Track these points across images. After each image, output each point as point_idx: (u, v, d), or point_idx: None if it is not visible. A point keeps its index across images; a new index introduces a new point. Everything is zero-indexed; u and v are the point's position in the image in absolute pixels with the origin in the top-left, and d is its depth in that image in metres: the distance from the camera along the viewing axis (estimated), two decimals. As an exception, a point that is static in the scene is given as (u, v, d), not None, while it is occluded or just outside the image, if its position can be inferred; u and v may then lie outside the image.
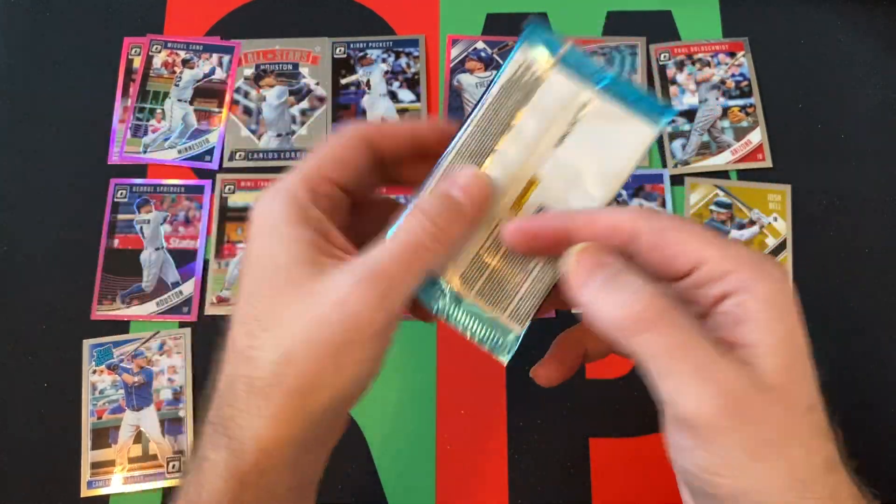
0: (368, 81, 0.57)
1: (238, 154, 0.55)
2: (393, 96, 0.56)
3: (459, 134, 0.31)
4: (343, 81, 0.57)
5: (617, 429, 0.48)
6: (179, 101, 0.57)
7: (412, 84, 0.57)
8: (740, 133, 0.54)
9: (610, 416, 0.49)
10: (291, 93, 0.57)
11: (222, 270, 0.52)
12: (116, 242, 0.53)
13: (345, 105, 0.56)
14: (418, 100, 0.56)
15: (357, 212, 0.34)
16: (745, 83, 0.56)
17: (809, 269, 0.51)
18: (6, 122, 0.56)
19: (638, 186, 0.53)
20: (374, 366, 0.29)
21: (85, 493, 0.48)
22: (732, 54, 0.56)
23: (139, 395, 0.50)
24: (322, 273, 0.28)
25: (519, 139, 0.30)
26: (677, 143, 0.55)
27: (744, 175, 0.54)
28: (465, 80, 0.56)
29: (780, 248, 0.52)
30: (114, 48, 0.58)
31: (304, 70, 0.57)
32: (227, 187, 0.54)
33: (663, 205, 0.53)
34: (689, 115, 0.55)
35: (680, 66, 0.56)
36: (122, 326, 0.51)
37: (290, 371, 0.27)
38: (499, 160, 0.30)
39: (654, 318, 0.25)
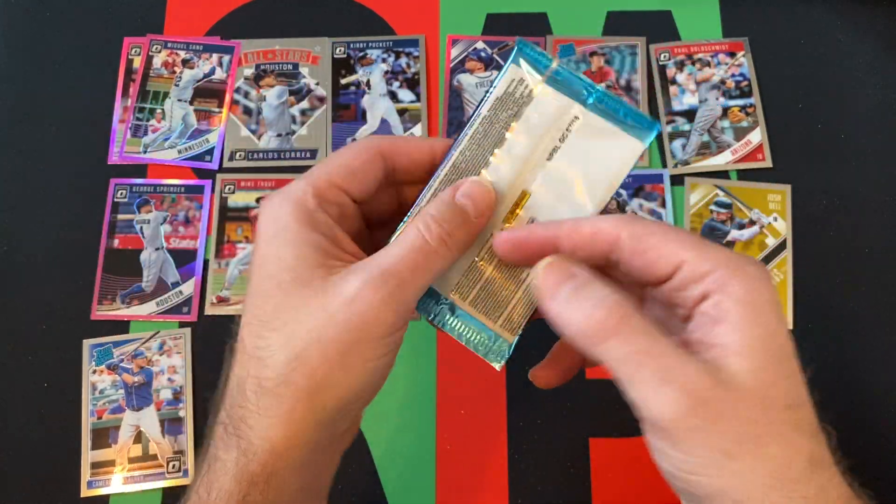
0: (368, 81, 0.57)
1: (238, 154, 0.55)
2: (393, 96, 0.56)
3: (453, 148, 0.32)
4: (343, 81, 0.57)
5: (617, 429, 0.48)
6: (179, 101, 0.57)
7: (412, 84, 0.57)
8: (740, 133, 0.54)
9: (610, 416, 0.49)
10: (291, 93, 0.57)
11: (222, 270, 0.52)
12: (116, 242, 0.53)
13: (345, 105, 0.56)
14: (418, 100, 0.56)
15: (373, 228, 0.34)
16: (745, 83, 0.56)
17: (809, 269, 0.51)
18: (6, 122, 0.56)
19: (638, 186, 0.53)
20: (384, 366, 0.29)
21: (85, 493, 0.48)
22: (732, 54, 0.56)
23: (139, 395, 0.50)
24: (330, 274, 0.28)
25: (511, 153, 0.31)
26: (677, 143, 0.55)
27: (744, 175, 0.54)
28: (465, 80, 0.56)
29: (780, 248, 0.52)
30: (114, 48, 0.58)
31: (304, 70, 0.57)
32: (227, 187, 0.54)
33: (663, 205, 0.53)
34: (689, 115, 0.55)
35: (680, 66, 0.56)
36: (122, 326, 0.51)
37: (300, 370, 0.27)
38: (492, 174, 0.31)
39: (616, 326, 0.26)
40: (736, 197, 0.53)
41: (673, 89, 0.56)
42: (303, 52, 0.58)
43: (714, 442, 0.25)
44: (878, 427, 0.49)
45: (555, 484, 0.48)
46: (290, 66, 0.57)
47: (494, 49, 0.57)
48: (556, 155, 0.31)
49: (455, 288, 0.32)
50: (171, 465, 0.48)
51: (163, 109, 0.56)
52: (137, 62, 0.58)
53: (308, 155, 0.55)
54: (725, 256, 0.27)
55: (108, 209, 0.54)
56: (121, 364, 0.50)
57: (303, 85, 0.57)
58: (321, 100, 0.56)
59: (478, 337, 0.32)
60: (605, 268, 0.31)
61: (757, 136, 0.54)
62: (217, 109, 0.56)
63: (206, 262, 0.53)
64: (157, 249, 0.53)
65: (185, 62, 0.57)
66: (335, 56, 0.57)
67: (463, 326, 0.32)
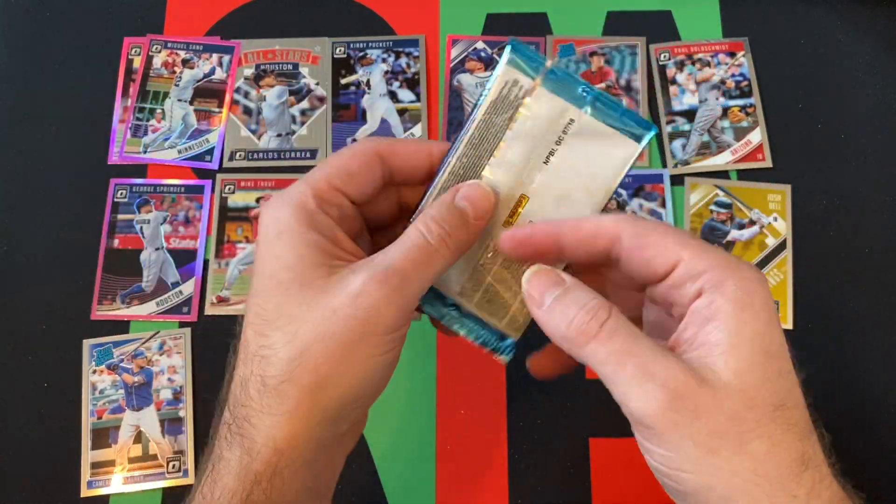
0: (368, 81, 0.57)
1: (238, 154, 0.55)
2: (393, 96, 0.56)
3: (450, 155, 0.32)
4: (343, 81, 0.57)
5: (617, 429, 0.48)
6: (179, 101, 0.57)
7: (412, 84, 0.57)
8: (740, 133, 0.54)
9: (610, 416, 0.48)
10: (291, 93, 0.57)
11: (222, 270, 0.52)
12: (116, 242, 0.53)
13: (345, 105, 0.56)
14: (418, 100, 0.56)
15: (372, 229, 0.34)
16: (745, 83, 0.56)
17: (809, 269, 0.51)
18: (6, 122, 0.56)
19: (638, 186, 0.53)
20: (386, 364, 0.30)
21: (85, 493, 0.48)
22: (732, 54, 0.56)
23: (139, 395, 0.50)
24: (332, 273, 0.29)
25: (508, 158, 0.31)
26: (677, 143, 0.55)
27: (744, 175, 0.54)
28: (465, 80, 0.56)
29: (780, 248, 0.52)
30: (114, 48, 0.58)
31: (304, 70, 0.57)
32: (227, 187, 0.54)
33: (663, 205, 0.53)
34: (689, 115, 0.55)
35: (680, 66, 0.56)
36: (122, 326, 0.51)
37: (304, 367, 0.28)
38: (490, 178, 0.31)
39: (597, 328, 0.27)
40: (736, 197, 0.53)
41: (673, 89, 0.56)
42: (303, 52, 0.58)
43: (693, 436, 0.25)
44: (878, 427, 0.49)
45: (555, 484, 0.48)
46: (290, 66, 0.57)
47: (494, 49, 0.57)
48: (552, 158, 0.31)
49: (461, 290, 0.33)
50: (171, 465, 0.48)
51: (163, 109, 0.56)
52: (137, 62, 0.58)
53: (308, 155, 0.55)
54: (722, 257, 0.28)
55: (108, 209, 0.54)
56: (121, 364, 0.50)
57: (303, 85, 0.57)
58: (321, 100, 0.56)
59: (484, 335, 0.33)
60: (604, 266, 0.31)
61: (757, 136, 0.54)
62: (217, 109, 0.56)
63: (206, 262, 0.53)
64: (157, 249, 0.53)
65: (185, 62, 0.57)
66: (335, 56, 0.57)
67: (471, 326, 0.33)
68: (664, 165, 0.54)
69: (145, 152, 0.55)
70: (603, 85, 0.56)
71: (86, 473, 0.48)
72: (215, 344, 0.50)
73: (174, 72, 0.57)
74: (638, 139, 0.31)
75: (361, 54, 0.57)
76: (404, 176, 0.33)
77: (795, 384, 0.27)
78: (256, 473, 0.28)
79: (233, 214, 0.54)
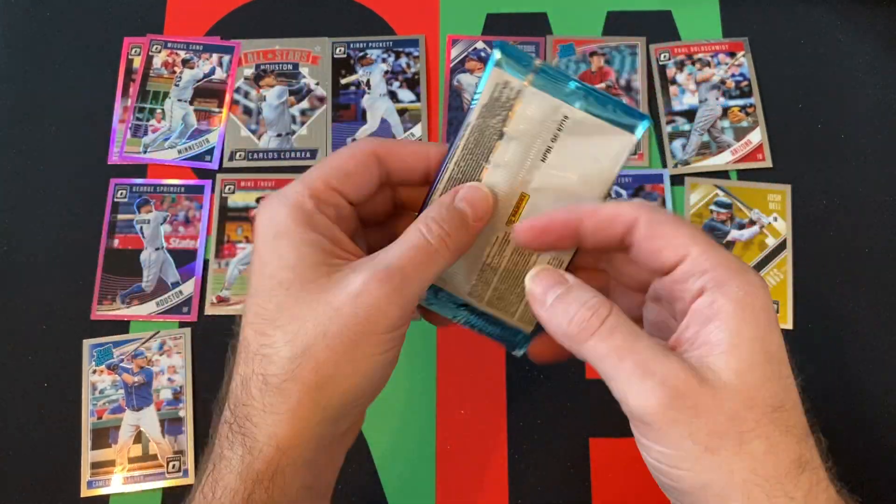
0: (368, 81, 0.57)
1: (238, 154, 0.55)
2: (393, 96, 0.56)
3: (447, 160, 0.32)
4: (343, 81, 0.57)
5: (617, 429, 0.48)
6: (179, 101, 0.57)
7: (412, 84, 0.57)
8: (740, 133, 0.54)
9: (610, 416, 0.48)
10: (291, 93, 0.57)
11: (222, 270, 0.52)
12: (116, 242, 0.53)
13: (345, 105, 0.56)
14: (418, 100, 0.56)
15: (369, 229, 0.35)
16: (745, 83, 0.56)
17: (809, 269, 0.51)
18: (6, 122, 0.56)
19: (638, 186, 0.53)
20: (387, 362, 0.30)
21: (85, 493, 0.48)
22: (732, 54, 0.56)
23: (139, 395, 0.50)
24: (332, 272, 0.29)
25: (505, 159, 0.31)
26: (677, 143, 0.55)
27: (744, 175, 0.54)
28: (465, 80, 0.56)
29: (780, 248, 0.52)
30: (114, 48, 0.58)
31: (304, 70, 0.57)
32: (227, 187, 0.54)
33: (663, 205, 0.53)
34: (689, 115, 0.55)
35: (680, 66, 0.56)
36: (122, 326, 0.51)
37: (306, 365, 0.28)
38: (489, 180, 0.32)
39: (597, 325, 0.28)
40: (736, 197, 0.53)
41: (673, 89, 0.56)
42: (303, 52, 0.58)
43: (691, 434, 0.26)
44: (878, 427, 0.49)
45: (555, 484, 0.48)
46: (290, 66, 0.57)
47: (494, 49, 0.57)
48: (549, 155, 0.31)
49: (471, 290, 0.33)
50: (171, 465, 0.48)
51: (163, 109, 0.56)
52: (137, 62, 0.58)
53: (308, 155, 0.55)
54: (728, 258, 0.28)
55: (108, 209, 0.54)
56: (121, 364, 0.50)
57: (303, 85, 0.57)
58: (321, 100, 0.56)
59: (497, 330, 0.34)
60: (614, 253, 0.32)
61: (757, 136, 0.54)
62: (217, 109, 0.56)
63: (206, 262, 0.53)
64: (157, 249, 0.53)
65: (185, 62, 0.57)
66: (335, 56, 0.57)
67: (484, 323, 0.34)
68: (664, 165, 0.54)
69: (145, 152, 0.55)
70: (603, 85, 0.56)
71: (86, 473, 0.48)
72: (215, 344, 0.50)
73: (174, 72, 0.57)
74: (632, 130, 0.31)
75: (361, 54, 0.57)
76: (401, 177, 0.33)
77: (794, 387, 0.27)
78: (258, 472, 0.28)
79: (233, 214, 0.54)
